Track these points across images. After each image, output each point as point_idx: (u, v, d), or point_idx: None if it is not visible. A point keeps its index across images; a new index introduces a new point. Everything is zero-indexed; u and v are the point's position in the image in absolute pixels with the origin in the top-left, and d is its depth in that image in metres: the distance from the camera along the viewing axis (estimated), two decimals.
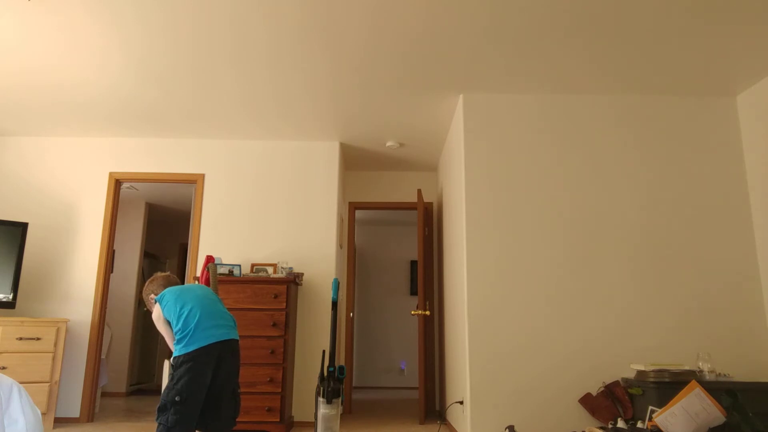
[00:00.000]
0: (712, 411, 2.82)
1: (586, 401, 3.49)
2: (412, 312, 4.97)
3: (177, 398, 2.52)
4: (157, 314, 2.79)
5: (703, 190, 3.87)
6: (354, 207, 5.88)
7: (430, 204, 5.88)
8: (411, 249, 8.53)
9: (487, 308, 3.69)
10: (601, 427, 3.24)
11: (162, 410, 2.54)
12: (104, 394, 6.37)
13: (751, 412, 2.82)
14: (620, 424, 3.15)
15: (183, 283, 3.07)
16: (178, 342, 2.64)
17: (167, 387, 2.58)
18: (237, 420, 3.97)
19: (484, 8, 3.01)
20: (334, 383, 2.88)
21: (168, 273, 3.05)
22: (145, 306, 3.05)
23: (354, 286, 6.70)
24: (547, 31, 3.23)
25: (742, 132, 3.94)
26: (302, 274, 4.65)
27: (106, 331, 5.69)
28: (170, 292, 2.81)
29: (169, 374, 2.63)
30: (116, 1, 2.96)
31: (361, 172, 5.95)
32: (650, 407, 3.11)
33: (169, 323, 2.76)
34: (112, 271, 5.92)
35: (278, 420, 4.05)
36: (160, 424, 2.52)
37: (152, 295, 2.91)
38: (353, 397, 6.77)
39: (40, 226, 4.77)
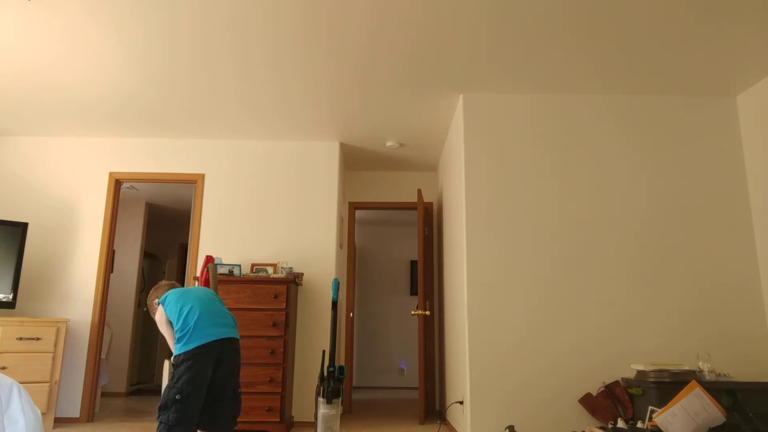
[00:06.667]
0: (712, 411, 2.82)
1: (586, 401, 3.49)
2: (412, 312, 4.97)
3: (177, 396, 2.54)
4: (159, 315, 2.84)
5: (703, 190, 3.86)
6: (354, 207, 5.88)
7: (430, 204, 5.88)
8: (411, 249, 8.53)
9: (487, 308, 3.69)
10: (601, 427, 3.24)
11: (163, 409, 2.56)
12: (104, 394, 6.37)
13: (751, 412, 2.82)
14: (620, 424, 3.15)
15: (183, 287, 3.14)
16: (178, 341, 2.67)
17: (168, 385, 2.60)
18: (237, 420, 3.99)
19: (484, 8, 3.01)
20: (334, 383, 2.88)
21: (172, 281, 3.13)
22: (147, 309, 3.11)
23: (354, 286, 6.70)
24: (547, 32, 3.23)
25: (742, 132, 3.94)
26: (302, 274, 4.65)
27: (106, 331, 5.69)
28: (172, 293, 2.88)
29: (170, 373, 2.64)
30: (116, 1, 2.96)
31: (361, 172, 5.95)
32: (650, 407, 3.11)
33: (171, 324, 2.78)
34: (112, 271, 5.92)
35: (278, 420, 4.05)
36: (161, 422, 2.54)
37: (156, 300, 2.97)
38: (353, 397, 6.77)
39: (40, 226, 4.77)
